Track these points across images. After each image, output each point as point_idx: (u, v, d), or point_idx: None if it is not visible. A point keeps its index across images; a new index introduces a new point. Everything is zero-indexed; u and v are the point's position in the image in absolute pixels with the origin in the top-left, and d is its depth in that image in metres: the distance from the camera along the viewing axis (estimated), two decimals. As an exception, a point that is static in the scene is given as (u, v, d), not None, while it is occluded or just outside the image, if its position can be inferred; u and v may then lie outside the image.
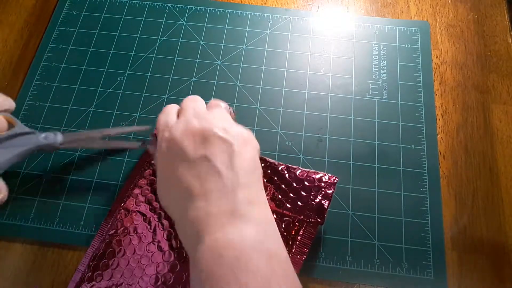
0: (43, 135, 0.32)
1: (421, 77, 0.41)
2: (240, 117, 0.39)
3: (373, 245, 0.34)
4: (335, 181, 0.32)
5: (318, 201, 0.31)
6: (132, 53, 0.42)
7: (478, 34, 0.43)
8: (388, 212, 0.35)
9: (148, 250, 0.31)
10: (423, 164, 0.37)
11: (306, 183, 0.32)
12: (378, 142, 0.38)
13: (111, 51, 0.42)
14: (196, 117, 0.27)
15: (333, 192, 0.32)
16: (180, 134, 0.26)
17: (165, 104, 0.39)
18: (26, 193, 0.36)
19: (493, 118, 0.39)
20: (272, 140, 0.38)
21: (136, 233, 0.32)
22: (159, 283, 0.30)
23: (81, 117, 0.39)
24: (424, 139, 0.38)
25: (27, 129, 0.31)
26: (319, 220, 0.31)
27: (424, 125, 0.38)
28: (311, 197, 0.32)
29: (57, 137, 0.32)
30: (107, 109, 0.39)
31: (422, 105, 0.39)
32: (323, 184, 0.32)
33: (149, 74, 0.41)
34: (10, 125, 0.31)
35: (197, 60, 0.42)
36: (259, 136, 0.38)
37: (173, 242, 0.32)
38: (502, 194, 0.36)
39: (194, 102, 0.29)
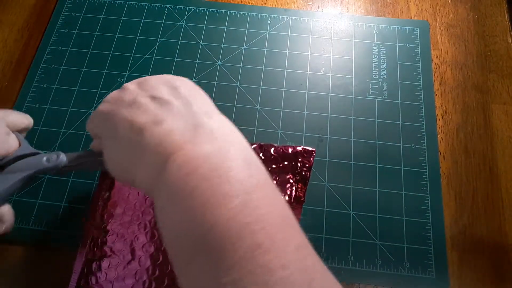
0: (45, 158, 0.29)
1: (421, 76, 0.41)
2: (241, 117, 0.39)
3: (374, 245, 0.34)
4: (313, 153, 0.34)
5: (300, 172, 0.33)
6: (132, 55, 0.42)
7: (478, 34, 0.43)
8: (389, 211, 0.35)
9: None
10: (424, 163, 0.37)
11: (285, 162, 0.34)
12: (378, 142, 0.38)
13: (111, 53, 0.42)
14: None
15: (312, 163, 0.34)
16: (114, 93, 0.25)
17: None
18: (26, 195, 0.36)
19: (493, 118, 0.39)
20: (272, 140, 0.38)
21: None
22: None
23: (81, 119, 0.39)
24: (425, 138, 0.38)
25: (31, 149, 0.29)
26: (304, 186, 0.33)
27: (424, 124, 0.38)
28: (292, 174, 0.34)
29: (60, 158, 0.29)
30: (107, 110, 0.39)
31: (422, 104, 0.39)
32: (300, 158, 0.34)
33: (149, 75, 0.41)
34: None
35: (197, 61, 0.42)
36: (259, 137, 0.38)
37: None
38: (502, 194, 0.36)
39: None
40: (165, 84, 0.24)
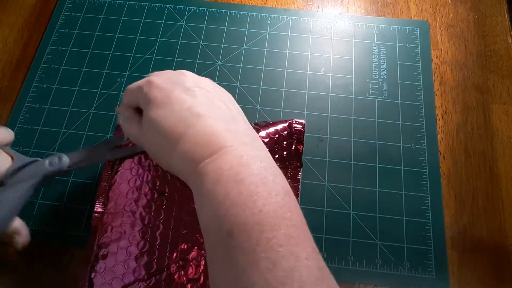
0: (46, 161, 0.29)
1: (421, 76, 0.41)
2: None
3: (374, 245, 0.34)
4: (304, 123, 0.35)
5: (294, 148, 0.34)
6: (132, 55, 0.42)
7: (478, 34, 0.43)
8: (389, 211, 0.35)
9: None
10: (424, 163, 0.37)
11: (275, 137, 0.35)
12: (378, 142, 0.38)
13: (111, 53, 0.42)
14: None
15: (304, 135, 0.35)
16: (171, 73, 0.27)
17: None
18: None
19: (493, 118, 0.39)
20: (272, 141, 0.38)
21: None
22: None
23: (81, 119, 0.39)
24: (425, 138, 0.38)
25: (27, 159, 0.29)
26: (298, 163, 0.34)
27: (424, 124, 0.38)
28: (286, 148, 0.34)
29: (63, 160, 0.30)
30: (107, 111, 0.39)
31: (422, 104, 0.39)
32: (292, 130, 0.35)
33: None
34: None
35: (197, 61, 0.42)
36: (259, 137, 0.38)
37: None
38: (502, 194, 0.36)
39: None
40: (212, 83, 0.27)
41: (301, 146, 0.34)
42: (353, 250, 0.34)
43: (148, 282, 0.29)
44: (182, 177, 0.25)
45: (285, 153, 0.34)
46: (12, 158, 0.28)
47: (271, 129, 0.35)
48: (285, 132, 0.35)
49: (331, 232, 0.34)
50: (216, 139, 0.23)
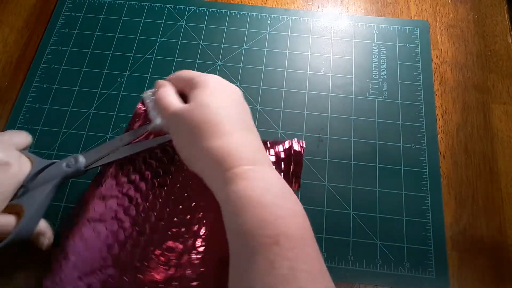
0: (64, 163, 0.29)
1: (421, 76, 0.41)
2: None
3: (374, 245, 0.34)
4: (303, 147, 0.36)
5: (293, 170, 0.35)
6: (132, 55, 0.42)
7: (478, 34, 0.43)
8: (389, 211, 0.35)
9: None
10: (424, 163, 0.37)
11: (274, 159, 0.35)
12: (378, 142, 0.38)
13: (111, 53, 0.42)
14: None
15: (303, 156, 0.36)
16: (223, 82, 0.30)
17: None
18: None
19: (493, 118, 0.39)
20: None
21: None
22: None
23: (81, 119, 0.39)
24: (425, 138, 0.38)
25: (46, 162, 0.29)
26: (296, 185, 0.35)
27: (424, 124, 0.38)
28: (284, 170, 0.35)
29: (79, 161, 0.30)
30: (107, 110, 0.39)
31: (422, 104, 0.39)
32: (292, 152, 0.36)
33: (149, 76, 0.41)
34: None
35: (197, 61, 0.42)
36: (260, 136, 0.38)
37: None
38: (502, 194, 0.36)
39: None
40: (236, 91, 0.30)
41: (300, 168, 0.36)
42: (353, 250, 0.34)
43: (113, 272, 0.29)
44: (200, 173, 0.27)
45: (282, 174, 0.35)
46: (31, 162, 0.29)
47: (271, 151, 0.36)
48: (284, 155, 0.36)
49: (331, 232, 0.34)
50: (243, 155, 0.25)
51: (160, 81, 0.32)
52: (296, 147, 0.36)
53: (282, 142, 0.36)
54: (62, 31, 0.43)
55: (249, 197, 0.23)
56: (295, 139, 0.37)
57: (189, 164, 0.28)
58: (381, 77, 0.41)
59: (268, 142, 0.36)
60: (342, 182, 0.36)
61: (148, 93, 0.33)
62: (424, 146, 0.38)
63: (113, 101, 0.40)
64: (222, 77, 0.40)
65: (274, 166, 0.30)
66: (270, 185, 0.24)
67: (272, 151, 0.36)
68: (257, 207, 0.23)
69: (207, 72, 0.40)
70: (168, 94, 0.30)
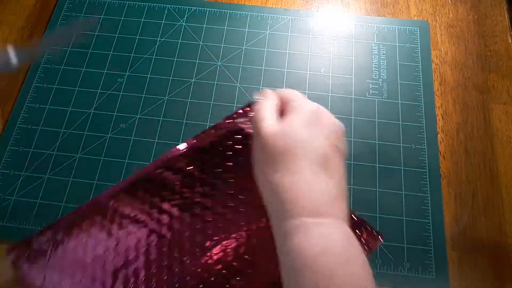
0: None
1: (421, 76, 0.41)
2: (241, 118, 0.39)
3: (374, 245, 0.34)
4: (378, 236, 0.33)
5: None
6: (132, 55, 0.42)
7: (478, 34, 0.43)
8: (390, 211, 0.35)
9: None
10: (424, 163, 0.37)
11: None
12: (378, 142, 0.38)
13: (111, 53, 0.42)
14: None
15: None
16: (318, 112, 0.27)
17: (165, 106, 0.39)
18: (26, 195, 0.36)
19: (493, 118, 0.39)
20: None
21: None
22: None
23: (81, 119, 0.39)
24: (425, 138, 0.38)
25: None
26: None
27: (424, 124, 0.38)
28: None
29: (9, 60, 0.28)
30: (107, 111, 0.39)
31: (422, 104, 0.39)
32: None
33: (148, 76, 0.41)
34: None
35: (197, 61, 0.42)
36: (259, 137, 0.38)
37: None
38: (502, 194, 0.36)
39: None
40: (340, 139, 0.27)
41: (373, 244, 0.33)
42: (353, 250, 0.34)
43: None
44: (266, 201, 0.26)
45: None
46: None
47: None
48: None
49: (331, 232, 0.34)
50: (314, 205, 0.23)
51: (267, 91, 0.29)
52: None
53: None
54: (62, 31, 0.43)
55: (304, 257, 0.21)
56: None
57: (260, 186, 0.27)
58: (381, 77, 0.41)
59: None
60: (342, 182, 0.36)
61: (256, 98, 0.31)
62: (424, 146, 0.38)
63: (113, 101, 0.40)
64: (222, 77, 0.41)
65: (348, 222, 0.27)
66: (330, 245, 0.22)
67: None
68: (311, 269, 0.21)
69: (206, 72, 0.41)
70: (265, 107, 0.28)
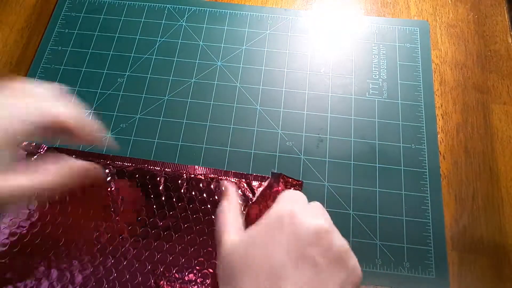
0: None
1: (421, 76, 0.41)
2: (241, 118, 0.39)
3: (374, 245, 0.34)
4: (301, 184, 0.35)
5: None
6: (132, 55, 0.42)
7: (478, 34, 0.43)
8: (389, 211, 0.35)
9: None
10: (424, 163, 0.37)
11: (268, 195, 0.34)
12: (378, 142, 0.38)
13: (111, 53, 0.42)
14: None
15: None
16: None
17: (165, 105, 0.39)
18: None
19: (493, 118, 0.39)
20: (272, 140, 0.38)
21: None
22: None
23: (81, 119, 0.39)
24: (425, 138, 0.38)
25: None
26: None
27: (424, 124, 0.38)
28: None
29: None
30: (107, 110, 0.39)
31: (422, 104, 0.39)
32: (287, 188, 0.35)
33: (148, 76, 0.41)
34: None
35: (197, 61, 0.42)
36: (259, 137, 0.38)
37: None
38: (502, 194, 0.36)
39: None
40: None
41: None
42: (353, 250, 0.33)
43: None
44: None
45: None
46: None
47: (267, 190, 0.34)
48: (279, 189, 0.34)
49: (331, 232, 0.34)
50: None
51: (228, 191, 0.27)
52: (295, 186, 0.35)
53: (276, 180, 0.34)
54: (62, 31, 0.43)
55: None
56: (292, 178, 0.35)
57: None
58: (381, 77, 0.41)
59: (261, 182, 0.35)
60: (342, 182, 0.36)
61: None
62: (424, 146, 0.38)
63: (113, 101, 0.40)
64: (222, 77, 0.41)
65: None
66: None
67: (267, 190, 0.34)
68: None
69: (206, 72, 0.41)
70: (227, 217, 0.25)
